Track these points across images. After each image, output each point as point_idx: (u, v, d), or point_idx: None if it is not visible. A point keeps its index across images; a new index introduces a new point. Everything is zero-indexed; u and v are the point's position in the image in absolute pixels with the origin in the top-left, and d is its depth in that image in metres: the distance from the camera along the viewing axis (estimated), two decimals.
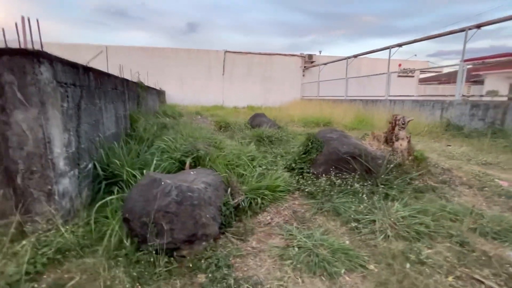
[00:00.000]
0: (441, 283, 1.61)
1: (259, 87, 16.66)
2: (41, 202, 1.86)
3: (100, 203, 2.04)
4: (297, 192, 2.86)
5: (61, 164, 1.99)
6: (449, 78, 24.24)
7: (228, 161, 3.01)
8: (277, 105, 15.18)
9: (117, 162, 2.62)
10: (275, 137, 5.01)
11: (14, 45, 1.77)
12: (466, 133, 6.40)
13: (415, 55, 20.11)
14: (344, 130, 7.71)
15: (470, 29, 7.07)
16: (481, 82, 20.23)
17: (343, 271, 1.71)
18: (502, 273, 1.70)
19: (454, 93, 7.71)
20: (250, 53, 16.19)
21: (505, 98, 10.74)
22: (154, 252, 1.66)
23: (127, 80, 4.54)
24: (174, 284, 1.58)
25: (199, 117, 9.29)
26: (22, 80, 1.71)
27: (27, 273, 1.55)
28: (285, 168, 3.31)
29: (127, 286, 1.50)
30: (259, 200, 2.51)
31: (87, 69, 2.62)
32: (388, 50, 9.89)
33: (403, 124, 3.26)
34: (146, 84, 7.38)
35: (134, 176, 2.54)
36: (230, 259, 1.82)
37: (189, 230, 1.72)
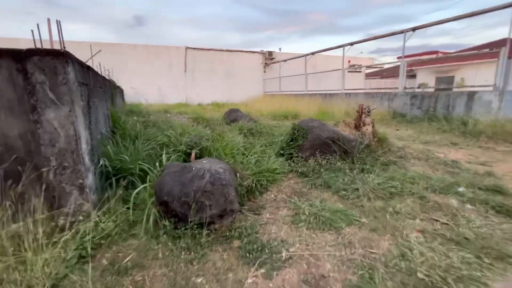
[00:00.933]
0: (412, 224, 2.21)
1: (222, 83, 16.80)
2: (74, 196, 1.97)
3: (134, 192, 2.20)
4: (291, 173, 3.31)
5: (87, 159, 2.09)
6: (389, 73, 27.50)
7: (229, 151, 3.31)
8: (241, 101, 15.54)
9: (126, 157, 2.73)
10: (255, 129, 5.40)
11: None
12: (409, 120, 7.65)
13: (361, 53, 22.39)
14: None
15: (407, 31, 8.36)
16: (414, 76, 23.47)
17: (344, 225, 2.21)
18: (448, 213, 2.38)
19: (397, 86, 9.04)
20: (212, 49, 16.19)
21: (432, 89, 12.87)
22: (195, 226, 1.93)
23: (105, 78, 4.44)
24: (217, 250, 1.88)
25: (168, 115, 9.16)
26: (54, 80, 1.80)
27: (81, 256, 1.70)
28: (275, 155, 3.73)
29: (180, 255, 1.76)
30: (264, 181, 2.89)
31: (88, 68, 2.66)
32: (342, 48, 10.99)
33: (368, 112, 3.94)
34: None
35: (142, 170, 2.70)
36: (255, 228, 2.18)
37: (222, 206, 2.02)
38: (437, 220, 2.28)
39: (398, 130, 6.57)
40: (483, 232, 2.07)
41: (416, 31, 8.27)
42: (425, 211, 2.44)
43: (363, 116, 3.97)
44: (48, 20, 1.95)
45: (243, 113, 7.07)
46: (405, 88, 8.74)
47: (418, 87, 15.44)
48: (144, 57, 14.81)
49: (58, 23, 2.10)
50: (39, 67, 1.75)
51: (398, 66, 26.66)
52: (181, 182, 1.98)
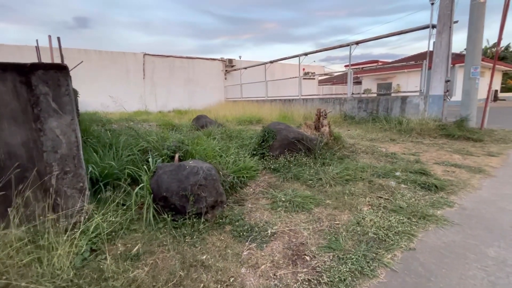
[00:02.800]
0: (363, 201, 2.83)
1: (183, 90, 16.69)
2: (75, 198, 2.12)
3: (135, 191, 2.39)
4: (265, 170, 3.76)
5: (84, 164, 2.25)
6: (338, 80, 30.24)
7: (211, 153, 3.63)
8: (203, 108, 15.66)
9: (113, 163, 2.88)
10: (226, 134, 5.76)
11: None
12: (357, 121, 8.79)
13: (314, 61, 24.41)
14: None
15: (352, 44, 9.62)
16: (360, 83, 26.30)
17: (313, 207, 2.72)
18: (389, 191, 3.07)
19: (346, 92, 10.26)
20: (171, 56, 16.02)
21: (375, 94, 14.78)
22: (192, 216, 2.24)
23: None
24: (213, 234, 2.21)
25: (132, 123, 8.93)
26: (57, 91, 1.96)
27: (92, 250, 1.89)
28: (248, 155, 4.15)
29: (183, 240, 2.06)
30: (243, 178, 3.28)
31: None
32: (298, 57, 11.99)
33: (325, 115, 4.62)
34: None
35: (129, 174, 2.88)
36: (242, 215, 2.56)
37: (214, 197, 2.37)
38: (381, 197, 2.94)
39: (349, 130, 7.56)
40: (412, 202, 2.78)
41: (359, 44, 9.57)
42: (373, 191, 3.10)
43: (321, 118, 4.64)
44: (49, 36, 2.09)
45: (211, 119, 7.35)
46: (353, 93, 9.97)
47: (364, 93, 17.46)
48: (98, 64, 14.00)
49: (58, 39, 2.22)
50: (43, 80, 1.91)
51: (346, 73, 29.05)
52: (178, 179, 2.28)
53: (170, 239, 2.09)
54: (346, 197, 2.92)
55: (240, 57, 18.21)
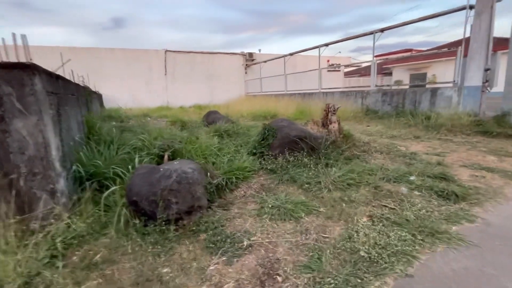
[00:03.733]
0: (364, 211, 2.47)
1: (203, 85, 16.84)
2: (45, 200, 2.07)
3: (104, 194, 2.32)
4: (261, 170, 3.52)
5: (57, 165, 2.20)
6: (367, 71, 28.51)
7: (201, 152, 3.47)
8: (223, 103, 15.66)
9: (99, 162, 2.84)
10: (232, 131, 5.57)
11: None
12: (380, 116, 8.10)
13: (339, 52, 23.08)
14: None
15: (376, 32, 8.82)
16: (390, 74, 24.51)
17: (303, 215, 2.43)
18: (397, 200, 2.66)
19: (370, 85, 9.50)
20: (192, 52, 16.19)
21: (407, 86, 13.55)
22: (163, 223, 2.08)
23: (78, 85, 4.47)
24: (184, 243, 2.05)
25: (149, 119, 9.16)
26: (20, 91, 1.90)
27: (53, 256, 1.82)
28: (247, 154, 3.92)
29: (149, 249, 1.92)
30: (234, 179, 3.07)
31: (57, 77, 2.74)
32: (318, 49, 11.37)
33: (333, 111, 4.22)
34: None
35: (117, 174, 2.81)
36: (221, 221, 2.36)
37: (189, 202, 2.19)
38: (386, 206, 2.55)
39: (368, 126, 6.96)
40: (422, 214, 2.36)
41: (390, 30, 8.74)
42: (378, 198, 2.71)
43: (329, 114, 4.24)
44: (13, 34, 2.04)
45: (221, 115, 7.22)
46: (377, 85, 9.20)
47: (395, 84, 16.18)
48: (123, 61, 14.60)
49: (23, 37, 2.18)
50: (6, 80, 1.85)
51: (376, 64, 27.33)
52: (150, 182, 2.13)
53: (136, 247, 1.96)
54: (344, 204, 2.58)
55: (259, 50, 17.90)
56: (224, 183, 2.96)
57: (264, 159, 3.68)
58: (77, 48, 13.57)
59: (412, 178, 3.16)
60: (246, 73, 17.95)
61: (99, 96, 10.65)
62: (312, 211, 2.49)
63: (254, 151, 3.91)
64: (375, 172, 3.32)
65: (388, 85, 9.60)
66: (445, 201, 2.63)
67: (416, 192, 2.84)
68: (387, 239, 1.99)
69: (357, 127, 6.92)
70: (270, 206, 2.56)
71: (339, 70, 22.41)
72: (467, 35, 6.63)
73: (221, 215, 2.47)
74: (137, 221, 2.13)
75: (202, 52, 16.50)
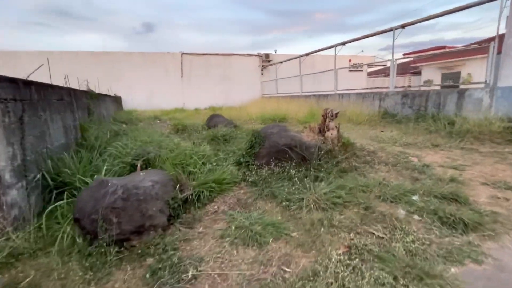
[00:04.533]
0: (344, 238, 2.09)
1: (219, 87, 16.85)
2: None
3: (49, 209, 2.18)
4: (243, 182, 3.23)
5: (7, 176, 2.09)
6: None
7: (179, 161, 3.27)
8: (238, 104, 15.53)
9: (68, 171, 2.73)
10: (229, 135, 5.34)
11: None
12: (398, 120, 7.39)
13: (362, 51, 21.90)
14: (297, 124, 8.35)
15: (396, 28, 8.10)
16: (419, 73, 22.77)
17: (271, 240, 2.11)
18: (389, 225, 2.23)
19: (402, 84, 8.76)
20: (207, 54, 16.29)
21: (438, 87, 12.39)
22: (105, 244, 1.88)
23: (74, 90, 4.50)
24: (125, 268, 1.83)
25: (158, 121, 9.25)
26: None
27: None
28: (235, 162, 3.65)
29: (80, 274, 1.72)
30: (207, 193, 2.82)
31: (27, 83, 2.68)
32: (334, 48, 10.78)
33: (331, 116, 3.80)
34: (97, 91, 7.21)
35: (86, 183, 2.68)
36: (177, 243, 2.11)
37: (137, 221, 1.97)
38: (373, 234, 2.14)
39: (382, 131, 6.35)
40: (415, 247, 1.92)
41: (421, 27, 8.00)
42: (366, 223, 2.30)
43: (327, 120, 3.83)
44: None
45: (225, 118, 7.03)
46: (396, 87, 8.45)
47: (423, 84, 14.89)
48: (140, 65, 15.07)
49: None
50: None
51: (403, 63, 25.79)
52: (95, 198, 1.95)
53: (70, 272, 1.77)
54: (322, 229, 2.21)
55: (275, 51, 17.50)
56: (195, 197, 2.72)
57: (249, 169, 3.38)
58: (97, 52, 14.26)
59: (414, 198, 2.68)
60: (262, 74, 17.66)
61: (115, 99, 10.99)
62: (283, 236, 2.16)
63: (241, 160, 3.63)
64: (371, 188, 2.88)
65: (409, 86, 8.76)
66: (450, 230, 2.15)
67: (416, 217, 2.37)
68: (360, 282, 1.61)
69: (369, 132, 6.34)
70: (238, 226, 2.27)
71: (362, 70, 21.31)
72: (502, 27, 5.78)
73: (180, 235, 2.22)
74: (80, 240, 1.95)
75: (217, 54, 16.53)
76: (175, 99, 15.55)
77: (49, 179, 2.65)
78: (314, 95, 11.97)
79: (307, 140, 3.56)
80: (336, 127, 3.83)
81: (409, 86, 8.40)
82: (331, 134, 3.77)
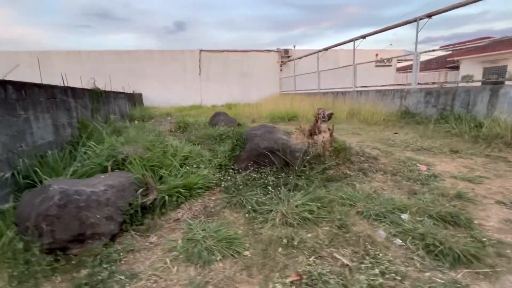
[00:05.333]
0: (301, 263, 1.79)
1: (236, 84, 16.76)
2: None
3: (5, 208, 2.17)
4: (218, 188, 3.02)
5: None
6: (427, 65, 24.69)
7: (156, 162, 3.15)
8: (255, 101, 15.30)
9: (38, 170, 2.74)
10: (226, 135, 5.16)
11: None
12: (418, 120, 6.65)
13: (391, 44, 20.32)
14: (306, 123, 7.91)
15: (421, 19, 7.27)
16: (457, 68, 20.64)
17: (219, 258, 1.88)
18: (361, 250, 1.89)
19: (435, 80, 7.93)
20: (225, 51, 16.24)
21: (479, 83, 11.02)
22: (38, 252, 1.80)
23: (72, 88, 4.61)
24: (54, 280, 1.72)
25: (169, 118, 9.36)
26: None
27: None
28: (217, 165, 3.46)
29: (2, 284, 1.65)
30: (174, 198, 2.66)
31: (2, 83, 2.71)
32: (354, 41, 10.06)
33: (323, 117, 3.43)
34: (110, 89, 7.44)
35: None
36: (121, 254, 1.97)
37: (74, 230, 1.86)
38: (337, 260, 1.82)
39: (396, 133, 5.73)
40: (380, 283, 1.58)
41: (432, 16, 7.14)
42: (335, 245, 1.98)
43: (319, 121, 3.46)
44: None
45: (228, 116, 6.86)
46: (420, 83, 7.63)
47: (462, 80, 13.37)
48: (160, 62, 15.47)
49: None
50: None
51: (440, 57, 23.77)
52: (33, 203, 1.87)
53: (7, 279, 1.71)
54: (280, 249, 1.93)
55: (294, 46, 16.91)
56: (160, 202, 2.58)
57: (227, 174, 3.17)
58: (120, 51, 14.89)
59: (403, 216, 2.27)
60: (281, 70, 17.21)
61: (131, 96, 11.35)
62: (234, 254, 1.92)
63: (223, 162, 3.42)
64: (354, 202, 2.51)
65: (433, 83, 7.83)
66: (436, 262, 1.75)
67: (398, 241, 1.99)
68: None
69: (381, 134, 5.77)
70: (188, 239, 2.08)
71: (390, 65, 19.88)
72: None
73: (127, 245, 2.08)
74: (21, 247, 1.89)
75: (236, 51, 16.40)
76: (193, 96, 15.77)
77: (19, 178, 2.68)
78: (332, 92, 11.34)
79: (294, 144, 3.25)
80: (329, 129, 3.45)
81: (445, 82, 7.42)
82: (323, 137, 3.40)
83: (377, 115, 7.37)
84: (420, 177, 3.16)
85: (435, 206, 2.36)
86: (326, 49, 12.24)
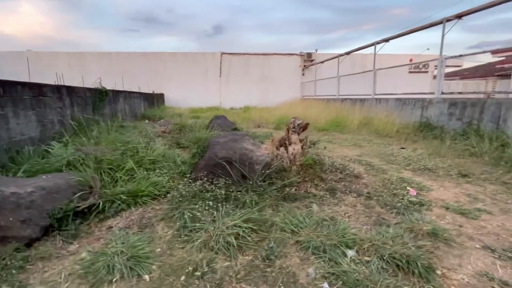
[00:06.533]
0: None
1: (257, 87, 16.62)
2: None
3: None
4: (166, 197, 2.86)
5: None
6: (474, 73, 22.15)
7: (115, 165, 3.10)
8: (274, 105, 15.02)
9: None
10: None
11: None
12: (437, 134, 5.86)
13: (428, 49, 18.42)
14: (314, 132, 7.47)
15: (449, 20, 6.43)
16: (508, 76, 18.14)
17: (115, 279, 1.71)
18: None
19: (475, 90, 7.05)
20: (247, 53, 16.22)
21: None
22: None
23: (67, 87, 4.83)
24: None
25: (178, 118, 9.52)
26: None
27: None
28: (179, 172, 3.31)
29: None
30: (115, 205, 2.56)
31: None
32: (375, 45, 9.33)
33: (293, 128, 3.09)
34: (124, 89, 7.76)
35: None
36: (29, 261, 1.90)
37: None
38: None
39: (402, 148, 5.08)
40: None
41: (462, 17, 6.27)
42: (248, 280, 1.69)
43: (290, 132, 3.13)
44: None
45: (227, 120, 6.72)
46: (444, 93, 6.74)
47: (461, 92, 11.66)
48: (183, 64, 15.95)
49: None
50: None
51: (488, 63, 21.42)
52: None
53: None
54: (182, 278, 1.70)
55: (316, 50, 16.22)
56: (101, 207, 2.49)
57: (182, 183, 2.99)
58: (146, 53, 15.67)
59: (350, 253, 1.88)
60: (303, 74, 16.69)
61: (147, 96, 11.79)
62: (133, 276, 1.73)
63: (184, 170, 3.26)
64: (300, 228, 2.16)
65: (459, 93, 6.83)
66: None
67: (325, 285, 1.63)
68: None
69: (384, 148, 5.15)
70: (95, 252, 1.94)
71: (427, 71, 18.20)
72: None
73: (42, 251, 2.00)
74: None
75: (257, 54, 16.28)
76: (213, 97, 15.99)
77: None
78: (350, 99, 10.63)
79: (257, 155, 2.97)
80: (301, 141, 3.11)
81: (460, 93, 6.41)
82: (293, 149, 3.07)
83: (390, 126, 6.67)
84: (400, 204, 2.68)
85: (394, 244, 1.92)
86: (348, 53, 11.54)
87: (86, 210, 2.46)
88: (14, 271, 1.78)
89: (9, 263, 1.84)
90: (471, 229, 2.25)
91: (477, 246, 2.02)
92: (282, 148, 3.03)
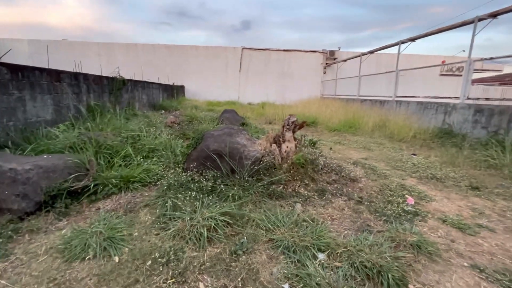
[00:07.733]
0: (155, 284, 1.58)
1: (276, 84, 16.46)
2: None
3: None
4: (157, 185, 2.94)
5: None
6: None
7: (113, 151, 3.24)
8: (293, 103, 14.82)
9: (10, 143, 3.08)
10: None
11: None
12: (457, 143, 5.44)
13: (464, 51, 16.95)
14: (324, 131, 7.27)
15: (481, 19, 5.89)
16: None
17: (88, 257, 1.80)
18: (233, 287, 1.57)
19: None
20: (267, 49, 16.07)
21: None
22: None
23: (85, 74, 5.10)
24: None
25: (194, 110, 9.71)
26: None
27: None
28: (174, 162, 3.39)
29: None
30: (107, 188, 2.68)
31: None
32: (398, 45, 8.81)
33: (288, 125, 3.03)
34: (146, 79, 8.04)
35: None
36: (19, 232, 2.05)
37: None
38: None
39: (413, 154, 4.78)
40: None
41: (498, 16, 5.71)
42: (211, 272, 1.70)
43: (284, 129, 3.06)
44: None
45: (237, 114, 6.74)
46: (469, 98, 6.23)
47: (488, 98, 10.56)
48: (204, 58, 16.18)
49: None
50: None
51: None
52: None
53: None
54: (148, 263, 1.74)
55: (339, 48, 15.65)
56: (93, 190, 2.63)
57: (174, 172, 3.06)
58: (170, 45, 16.07)
59: (320, 256, 1.82)
60: (325, 73, 16.23)
61: (166, 87, 12.12)
62: (105, 256, 1.81)
63: (178, 160, 3.33)
64: (276, 227, 2.13)
65: (487, 98, 6.24)
66: None
67: (285, 287, 1.60)
68: None
69: (394, 153, 4.89)
70: (77, 230, 2.04)
71: (461, 75, 16.89)
72: None
73: (32, 224, 2.15)
74: None
75: (278, 50, 16.07)
76: (231, 92, 16.10)
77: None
78: (370, 100, 10.19)
79: (248, 150, 2.95)
80: (295, 138, 3.04)
81: (488, 99, 5.85)
82: (286, 147, 3.01)
83: (407, 130, 6.30)
84: (392, 212, 2.53)
85: (370, 253, 1.83)
86: (371, 52, 11.03)
87: (79, 191, 2.60)
88: (2, 240, 1.94)
89: (0, 232, 2.00)
90: (464, 246, 2.07)
91: (465, 264, 1.86)
92: (274, 145, 2.99)
